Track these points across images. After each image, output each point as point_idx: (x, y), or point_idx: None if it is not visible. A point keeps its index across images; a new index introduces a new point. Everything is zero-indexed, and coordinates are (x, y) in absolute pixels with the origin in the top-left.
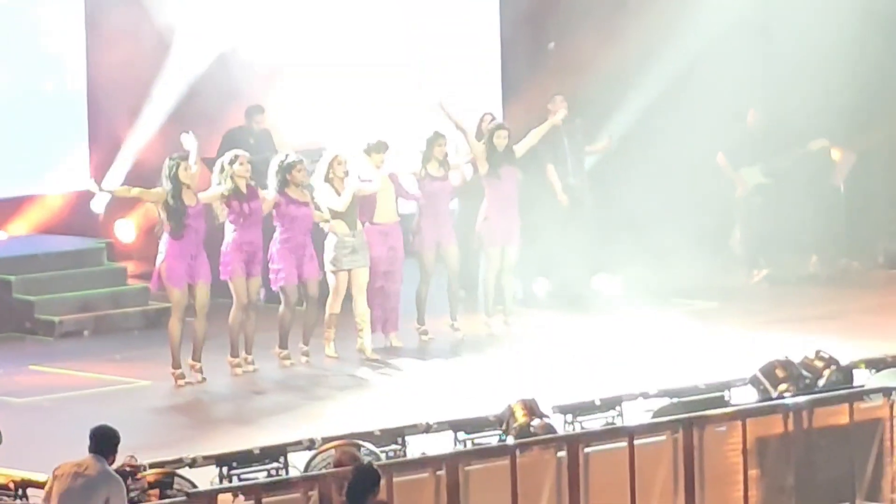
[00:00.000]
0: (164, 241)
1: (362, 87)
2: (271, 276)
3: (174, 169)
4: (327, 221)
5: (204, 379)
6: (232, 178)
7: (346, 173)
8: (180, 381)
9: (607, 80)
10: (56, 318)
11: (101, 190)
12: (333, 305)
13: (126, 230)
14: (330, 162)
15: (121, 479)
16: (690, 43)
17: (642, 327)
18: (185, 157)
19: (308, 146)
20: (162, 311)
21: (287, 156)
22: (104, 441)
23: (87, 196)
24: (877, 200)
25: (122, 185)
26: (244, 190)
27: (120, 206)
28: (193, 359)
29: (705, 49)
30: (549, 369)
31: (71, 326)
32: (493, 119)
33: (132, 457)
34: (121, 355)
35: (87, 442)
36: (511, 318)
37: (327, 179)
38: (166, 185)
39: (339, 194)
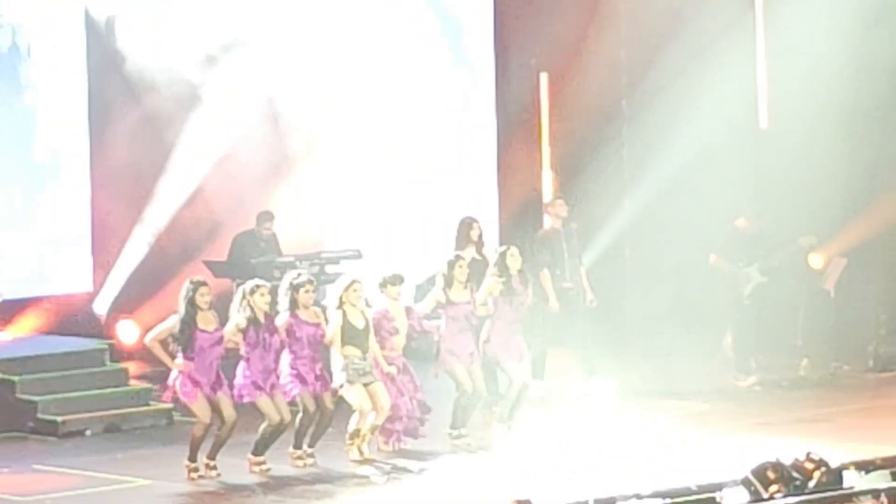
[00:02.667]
0: (179, 359)
1: (361, 183)
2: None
3: (192, 293)
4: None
5: (219, 475)
6: (251, 307)
7: (359, 299)
8: (193, 475)
9: (604, 181)
10: (59, 418)
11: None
12: (360, 420)
13: (128, 331)
14: (346, 287)
15: None
16: (685, 147)
17: (636, 429)
18: (204, 283)
19: (308, 249)
20: (163, 411)
21: (299, 275)
22: None
23: (89, 298)
24: (866, 305)
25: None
26: (262, 320)
27: (122, 307)
28: (208, 457)
29: (699, 153)
30: (545, 470)
31: (73, 426)
32: (474, 222)
33: None
34: (122, 455)
35: None
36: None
37: (340, 306)
38: (182, 309)
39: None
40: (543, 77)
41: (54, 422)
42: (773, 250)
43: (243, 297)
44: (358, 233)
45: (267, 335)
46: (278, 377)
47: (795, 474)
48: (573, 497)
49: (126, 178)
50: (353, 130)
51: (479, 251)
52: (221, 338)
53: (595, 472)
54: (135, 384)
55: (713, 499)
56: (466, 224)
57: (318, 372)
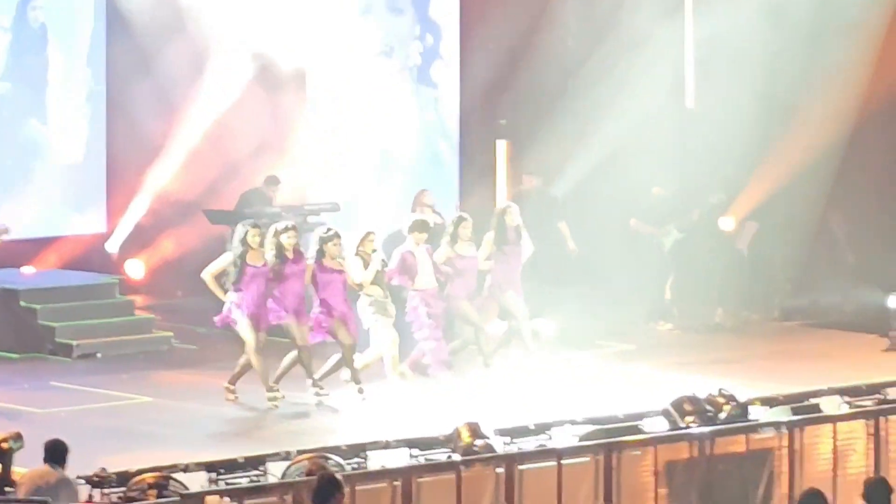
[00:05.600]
0: (231, 293)
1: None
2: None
3: (244, 234)
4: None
5: (237, 398)
6: (280, 245)
7: (374, 250)
8: (230, 396)
9: (551, 151)
10: (74, 342)
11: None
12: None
13: (135, 268)
14: (362, 238)
15: (73, 482)
16: (620, 123)
17: (572, 364)
18: (256, 225)
19: (302, 202)
20: (164, 338)
21: (328, 230)
22: (57, 453)
23: (102, 238)
24: (774, 263)
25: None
26: (291, 256)
27: (130, 247)
28: (230, 381)
29: (632, 129)
30: (493, 398)
31: (86, 349)
32: (425, 191)
33: (103, 469)
34: (127, 375)
35: (99, 446)
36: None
37: (357, 253)
38: (236, 247)
39: (365, 267)
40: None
41: (70, 345)
42: (687, 210)
43: (273, 235)
44: (336, 189)
45: (295, 269)
46: (303, 310)
47: (708, 407)
48: (515, 422)
49: (138, 135)
50: (335, 99)
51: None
52: (267, 272)
53: (535, 400)
54: (140, 314)
55: (636, 426)
56: (420, 192)
57: (342, 314)
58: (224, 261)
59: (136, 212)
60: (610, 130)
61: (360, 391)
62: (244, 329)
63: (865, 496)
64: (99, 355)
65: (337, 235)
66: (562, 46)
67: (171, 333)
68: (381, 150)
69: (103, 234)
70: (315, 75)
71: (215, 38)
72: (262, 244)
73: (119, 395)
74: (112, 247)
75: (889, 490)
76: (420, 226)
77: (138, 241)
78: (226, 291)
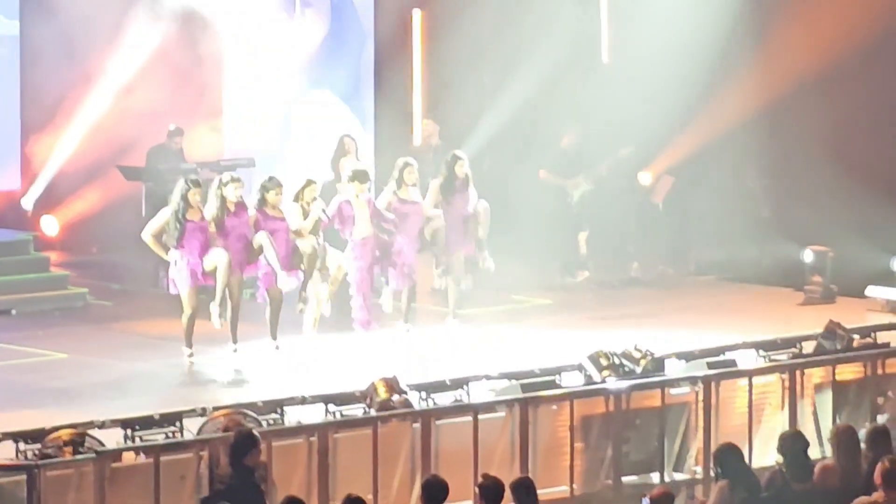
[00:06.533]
0: (172, 252)
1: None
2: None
3: (185, 191)
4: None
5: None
6: (223, 198)
7: (314, 199)
8: (190, 359)
9: (467, 105)
10: None
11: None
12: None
13: (50, 225)
14: (302, 187)
15: None
16: (536, 77)
17: (486, 319)
18: (198, 183)
19: (211, 158)
20: (79, 295)
21: (270, 178)
22: None
23: (17, 194)
24: (689, 217)
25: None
26: (232, 209)
27: (45, 204)
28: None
29: (548, 83)
30: (408, 353)
31: (1, 306)
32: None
33: None
34: (43, 331)
35: (14, 402)
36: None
37: (296, 200)
38: (175, 204)
39: (304, 216)
40: (417, 13)
41: None
42: (595, 162)
43: (217, 187)
44: (251, 144)
45: (237, 222)
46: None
47: (625, 362)
48: (432, 376)
49: (52, 91)
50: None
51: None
52: (206, 225)
53: (451, 355)
54: (55, 271)
55: (553, 381)
56: (344, 140)
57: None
58: (161, 218)
59: (50, 168)
60: (523, 82)
61: (277, 347)
62: (182, 287)
63: (781, 449)
64: (14, 312)
65: (279, 184)
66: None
67: (86, 290)
68: (291, 100)
69: (17, 190)
70: (228, 25)
71: None
72: (201, 202)
73: (34, 352)
74: (27, 203)
75: (804, 443)
76: (360, 175)
77: (53, 197)
78: (167, 251)
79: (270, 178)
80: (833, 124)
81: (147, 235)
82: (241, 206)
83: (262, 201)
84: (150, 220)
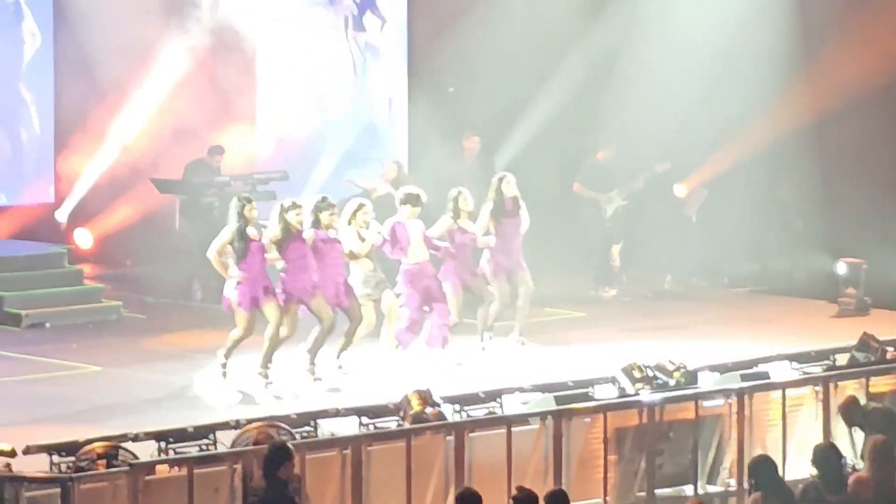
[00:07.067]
0: (233, 270)
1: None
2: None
3: (241, 208)
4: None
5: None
6: (286, 221)
7: (367, 224)
8: (224, 370)
9: (499, 118)
10: (23, 312)
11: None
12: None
13: (84, 238)
14: (355, 210)
15: None
16: (560, 89)
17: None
18: (250, 199)
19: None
20: (113, 308)
21: (323, 199)
22: None
23: (51, 208)
24: (723, 230)
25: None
26: (294, 234)
27: (79, 217)
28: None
29: (573, 94)
30: (441, 365)
31: (35, 319)
32: (400, 166)
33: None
34: (77, 344)
35: (47, 415)
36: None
37: (349, 223)
38: (234, 222)
39: (361, 238)
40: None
41: (18, 315)
42: (630, 177)
43: (280, 212)
44: (285, 159)
45: (301, 246)
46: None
47: (658, 374)
48: (465, 390)
49: (86, 104)
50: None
51: (393, 187)
52: (261, 245)
53: (485, 368)
54: (89, 284)
55: (586, 393)
56: (388, 165)
57: (344, 283)
58: (224, 237)
59: (84, 181)
60: (555, 95)
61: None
62: (240, 309)
63: (815, 462)
64: (48, 325)
65: (331, 205)
66: (511, 12)
67: (119, 303)
68: (326, 120)
69: (52, 203)
70: (266, 47)
71: (169, 6)
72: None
73: (68, 365)
74: (61, 216)
75: (838, 455)
76: (412, 199)
77: (87, 210)
78: (228, 269)
79: (323, 199)
80: (869, 139)
81: (212, 254)
82: (300, 231)
83: (317, 222)
84: (216, 235)
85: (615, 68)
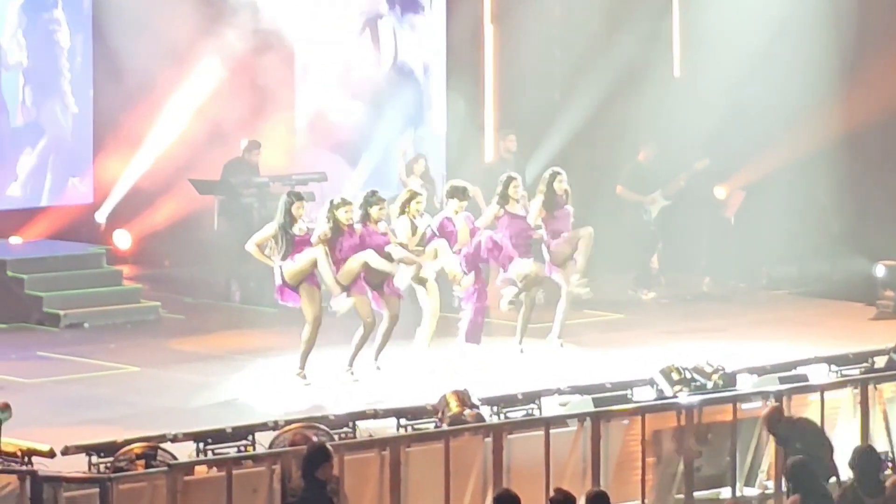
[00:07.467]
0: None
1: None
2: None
3: (289, 205)
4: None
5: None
6: (335, 219)
7: (420, 213)
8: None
9: (537, 119)
10: (61, 312)
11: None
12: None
13: (123, 238)
14: (407, 199)
15: None
16: (598, 88)
17: (560, 333)
18: (300, 196)
19: (287, 172)
20: (151, 308)
21: (373, 193)
22: None
23: (90, 209)
24: (761, 232)
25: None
26: (345, 231)
27: (118, 218)
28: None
29: (610, 94)
30: (480, 365)
31: (74, 319)
32: (420, 157)
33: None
34: (115, 345)
35: (86, 416)
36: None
37: (402, 212)
38: (281, 217)
39: (413, 228)
40: (489, 28)
41: (57, 315)
42: (672, 176)
43: (329, 209)
44: (322, 159)
45: (352, 242)
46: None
47: (696, 376)
48: (503, 391)
49: (125, 104)
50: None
51: (424, 181)
52: (309, 239)
53: (523, 369)
54: (127, 284)
55: (625, 395)
56: (413, 159)
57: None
58: (267, 231)
59: (123, 182)
60: (596, 96)
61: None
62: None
63: (853, 464)
64: (86, 325)
65: (381, 199)
66: (548, 13)
67: (158, 303)
68: (365, 118)
69: (91, 204)
70: (304, 44)
71: (213, 8)
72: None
73: (106, 365)
74: (100, 217)
75: (877, 458)
76: (458, 192)
77: (126, 211)
78: (271, 259)
79: (373, 193)
80: None
81: (251, 246)
82: (351, 227)
83: (366, 216)
84: (254, 233)
85: (652, 68)
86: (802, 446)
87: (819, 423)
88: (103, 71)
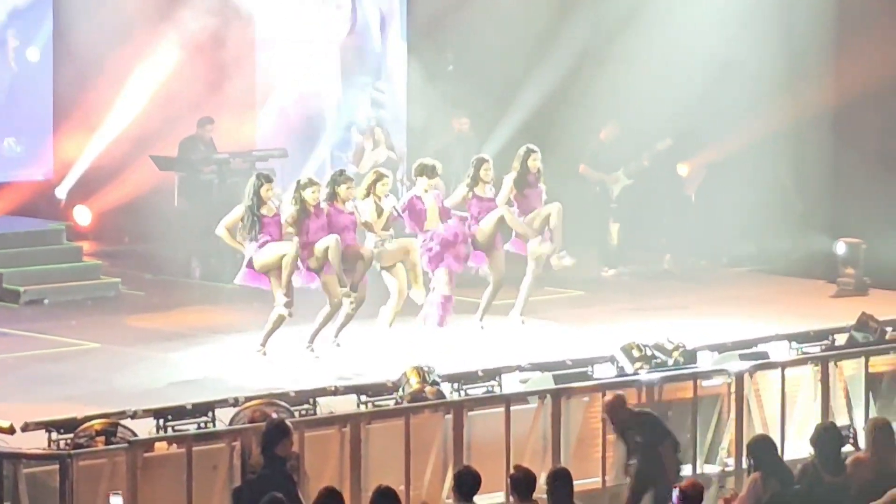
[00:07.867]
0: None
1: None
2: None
3: (258, 186)
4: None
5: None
6: (302, 199)
7: (385, 195)
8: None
9: (495, 98)
10: (21, 288)
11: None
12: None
13: (83, 214)
14: (374, 181)
15: None
16: (559, 66)
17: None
18: (270, 178)
19: (243, 148)
20: (111, 284)
21: (341, 173)
22: None
23: (50, 185)
24: (722, 210)
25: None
26: (312, 211)
27: (79, 194)
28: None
29: (571, 72)
30: (439, 342)
31: (33, 296)
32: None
33: None
34: (75, 321)
35: (46, 392)
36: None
37: (368, 194)
38: (248, 199)
39: (377, 210)
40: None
41: (17, 291)
42: (635, 154)
43: (296, 189)
44: (285, 135)
45: (319, 222)
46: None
47: (657, 353)
48: (463, 368)
49: (85, 81)
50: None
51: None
52: (279, 219)
53: (484, 347)
54: (87, 260)
55: (585, 372)
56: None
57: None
58: (235, 214)
59: (83, 158)
60: (556, 74)
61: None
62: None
63: (813, 442)
64: (46, 301)
65: (349, 178)
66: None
67: (118, 280)
68: (325, 95)
69: (51, 180)
70: (264, 21)
71: None
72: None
73: (67, 342)
74: (60, 193)
75: (838, 436)
76: (428, 170)
77: (86, 187)
78: (242, 245)
79: (341, 173)
80: (877, 127)
81: (221, 230)
82: (318, 207)
83: (333, 195)
84: (215, 210)
85: (621, 47)
86: (643, 440)
87: (780, 399)
88: (64, 45)
